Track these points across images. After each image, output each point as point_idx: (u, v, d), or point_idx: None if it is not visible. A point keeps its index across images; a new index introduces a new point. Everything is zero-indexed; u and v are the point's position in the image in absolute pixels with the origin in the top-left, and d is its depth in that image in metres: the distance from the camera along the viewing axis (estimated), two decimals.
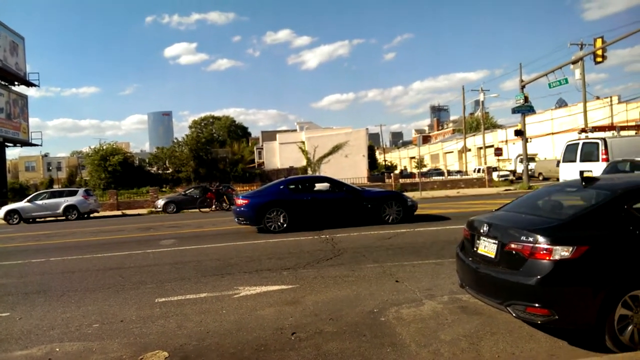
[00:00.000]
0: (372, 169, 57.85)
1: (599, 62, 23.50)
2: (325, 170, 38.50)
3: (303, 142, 47.72)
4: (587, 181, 4.70)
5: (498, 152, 43.65)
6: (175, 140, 53.24)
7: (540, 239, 3.85)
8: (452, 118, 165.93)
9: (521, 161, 30.74)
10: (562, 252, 3.72)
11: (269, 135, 66.43)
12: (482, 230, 4.61)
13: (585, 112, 33.24)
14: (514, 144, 47.11)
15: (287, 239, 10.85)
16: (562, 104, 54.60)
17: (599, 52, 23.28)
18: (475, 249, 4.68)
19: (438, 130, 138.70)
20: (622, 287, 3.66)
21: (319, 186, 13.41)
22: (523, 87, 27.19)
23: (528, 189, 23.53)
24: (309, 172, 41.01)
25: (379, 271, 6.96)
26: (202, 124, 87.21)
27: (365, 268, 7.22)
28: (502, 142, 53.44)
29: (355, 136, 48.58)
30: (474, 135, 63.11)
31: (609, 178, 5.25)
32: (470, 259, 4.72)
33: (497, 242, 4.32)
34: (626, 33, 22.06)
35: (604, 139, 15.54)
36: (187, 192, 26.63)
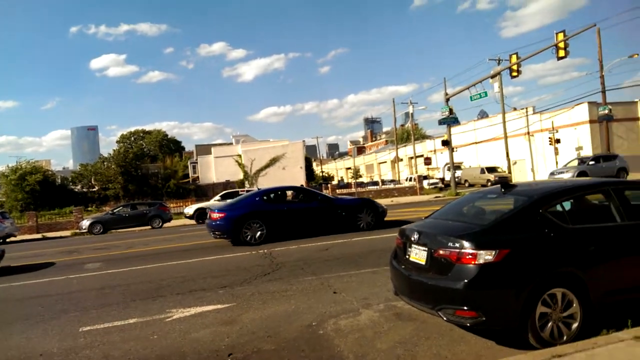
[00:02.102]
0: (309, 180, 58.23)
1: (515, 76, 25.43)
2: (262, 183, 38.16)
3: (239, 156, 47.09)
4: (506, 188, 5.02)
5: (427, 161, 45.74)
6: (101, 156, 50.42)
7: (466, 244, 4.04)
8: (384, 129, 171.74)
9: (449, 169, 32.36)
10: (485, 256, 3.93)
11: (204, 149, 64.89)
12: (412, 238, 4.76)
13: (504, 122, 35.73)
14: (441, 153, 49.53)
15: (223, 256, 10.58)
16: (483, 115, 58.41)
17: (515, 67, 25.20)
18: (407, 256, 4.82)
19: (372, 141, 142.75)
20: (541, 287, 3.92)
21: (292, 196, 13.46)
22: (448, 100, 28.75)
23: (455, 195, 24.77)
24: (247, 186, 40.43)
25: (317, 283, 6.96)
26: (132, 139, 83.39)
27: (303, 281, 7.20)
28: (431, 151, 56.02)
29: (292, 148, 48.76)
30: (405, 145, 65.62)
31: (527, 184, 5.64)
32: (403, 266, 4.84)
33: (427, 249, 4.48)
34: (537, 50, 24.10)
35: None
36: (115, 210, 25.20)
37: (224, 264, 9.52)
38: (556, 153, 33.02)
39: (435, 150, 54.81)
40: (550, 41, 22.43)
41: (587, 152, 33.32)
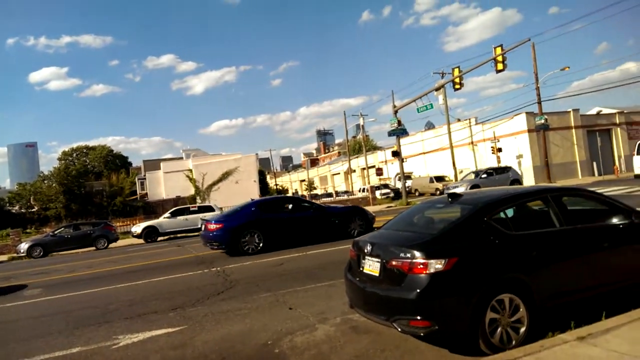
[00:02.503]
0: (263, 194, 57.67)
1: (458, 89, 26.55)
2: (215, 198, 37.46)
3: (190, 170, 45.98)
4: (453, 197, 5.18)
5: (379, 172, 46.64)
6: (41, 174, 47.59)
7: (417, 254, 4.11)
8: (337, 141, 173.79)
9: (399, 179, 33.13)
10: (436, 265, 4.01)
11: (153, 165, 62.80)
12: (366, 250, 4.79)
13: (449, 133, 37.14)
14: (392, 163, 50.70)
15: (174, 276, 10.21)
16: (430, 126, 60.41)
17: (457, 80, 26.32)
18: (361, 268, 4.84)
19: (325, 153, 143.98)
20: (489, 293, 4.05)
21: (288, 206, 13.58)
22: (396, 112, 29.54)
23: (406, 205, 25.37)
24: (198, 201, 39.52)
25: (272, 300, 6.85)
26: (74, 155, 79.41)
27: (258, 299, 7.06)
28: (382, 162, 57.20)
29: (246, 162, 48.20)
30: (357, 157, 66.65)
31: (473, 193, 5.85)
32: (357, 279, 4.86)
33: (380, 260, 4.52)
34: (477, 64, 25.32)
35: None
36: (56, 232, 23.77)
37: (174, 284, 9.19)
38: (498, 161, 34.64)
39: (386, 161, 56.01)
40: (490, 55, 23.66)
41: (527, 160, 35.21)
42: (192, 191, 43.24)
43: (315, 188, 77.05)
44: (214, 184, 40.78)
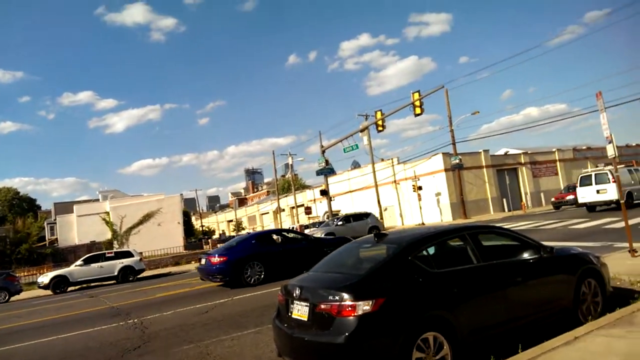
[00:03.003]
0: (188, 235, 55.37)
1: (381, 131, 27.87)
2: (135, 243, 35.24)
3: (107, 213, 43.10)
4: (379, 237, 5.27)
5: (308, 210, 46.91)
6: None
7: (345, 296, 4.08)
8: (266, 180, 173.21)
9: (328, 218, 33.46)
10: (364, 306, 4.00)
11: (65, 207, 58.11)
12: (294, 294, 4.68)
13: (374, 172, 38.56)
14: (321, 202, 51.30)
15: (85, 331, 9.27)
16: (356, 165, 62.42)
17: (380, 122, 27.67)
18: (289, 314, 4.71)
19: (254, 192, 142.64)
20: (415, 332, 4.08)
21: (283, 238, 14.40)
22: (323, 151, 30.23)
23: None
24: (116, 246, 36.96)
25: (196, 352, 6.41)
26: None
27: (179, 351, 6.57)
28: (311, 201, 57.71)
29: (169, 202, 46.22)
30: (286, 195, 66.71)
31: (397, 232, 6.00)
32: (285, 325, 4.71)
33: (308, 304, 4.42)
34: (397, 107, 26.88)
35: (610, 170, 22.04)
36: None
37: (85, 340, 8.32)
38: (419, 199, 36.35)
39: (315, 200, 56.56)
40: (409, 99, 25.23)
41: (445, 197, 37.31)
42: (108, 235, 40.38)
43: (243, 228, 75.50)
44: (134, 227, 38.40)
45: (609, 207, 22.99)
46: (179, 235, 44.03)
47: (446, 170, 37.58)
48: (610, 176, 21.98)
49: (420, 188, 36.37)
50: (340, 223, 26.24)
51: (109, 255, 22.84)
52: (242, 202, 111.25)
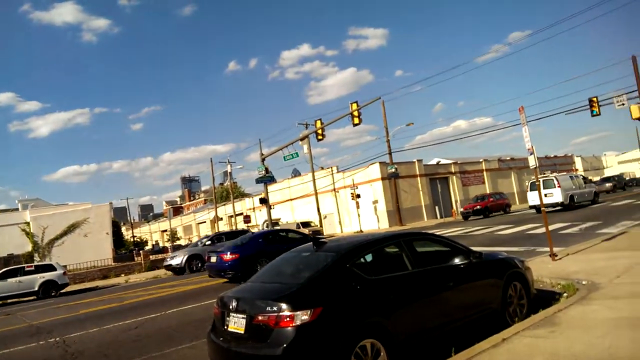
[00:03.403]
0: (118, 247, 52.38)
1: (321, 139, 28.07)
2: (58, 255, 32.89)
3: (27, 223, 39.84)
4: (318, 245, 5.25)
5: (247, 219, 46.13)
6: None
7: (283, 306, 4.00)
8: (203, 188, 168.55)
9: (267, 226, 33.13)
10: (302, 316, 3.94)
11: None
12: (231, 306, 4.53)
13: (314, 180, 38.80)
14: (260, 210, 50.74)
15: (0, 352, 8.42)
16: (296, 173, 62.56)
17: (320, 131, 27.87)
18: (225, 327, 4.55)
19: (190, 201, 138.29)
20: (353, 340, 4.08)
21: (285, 236, 15.82)
22: (263, 159, 29.95)
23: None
24: (37, 259, 34.29)
25: None
26: None
27: None
28: (250, 209, 56.92)
29: (97, 212, 43.50)
30: (225, 204, 65.30)
31: (336, 240, 6.00)
32: (221, 338, 4.54)
33: (245, 316, 4.30)
34: (337, 117, 27.23)
35: (555, 177, 26.20)
36: None
37: None
38: (357, 207, 37.04)
39: (254, 208, 55.84)
40: (348, 109, 25.67)
41: (382, 205, 38.28)
42: (29, 248, 37.35)
43: (178, 238, 72.82)
44: (57, 238, 35.85)
45: (555, 209, 25.86)
46: (108, 247, 41.53)
47: (383, 179, 38.63)
48: (555, 182, 25.47)
49: (358, 196, 37.05)
50: (208, 242, 22.99)
51: (29, 269, 21.02)
52: (177, 210, 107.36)
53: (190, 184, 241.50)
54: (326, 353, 3.92)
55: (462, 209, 35.01)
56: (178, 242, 63.72)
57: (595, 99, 25.64)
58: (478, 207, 32.25)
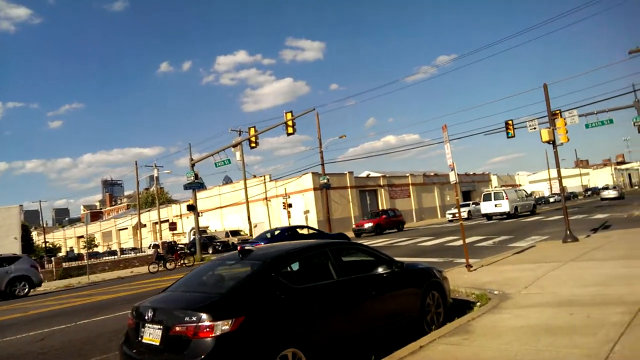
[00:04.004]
0: (28, 253, 47.98)
1: (254, 147, 27.78)
2: None
3: None
4: (243, 253, 5.13)
5: (172, 226, 44.41)
6: None
7: (203, 316, 3.86)
8: (126, 193, 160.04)
9: (194, 234, 32.06)
10: (222, 326, 3.82)
11: None
12: (147, 317, 4.30)
13: (245, 188, 38.28)
14: (187, 217, 49.08)
15: None
16: (228, 181, 61.38)
17: (253, 139, 27.59)
18: (140, 338, 4.30)
19: (111, 205, 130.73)
20: (274, 350, 4.01)
21: (303, 231, 20.90)
22: (193, 165, 29.04)
23: (200, 261, 24.53)
24: None
25: None
26: None
27: None
28: (177, 216, 54.85)
29: (5, 214, 39.60)
30: (149, 210, 62.38)
31: (263, 249, 5.91)
32: (134, 351, 4.28)
33: (162, 327, 4.09)
34: (271, 126, 27.14)
35: (504, 190, 32.28)
36: None
37: None
38: (289, 216, 37.02)
39: (181, 215, 53.87)
40: (283, 119, 25.69)
41: (313, 214, 38.57)
42: None
43: (96, 245, 68.27)
44: None
45: (502, 217, 30.72)
46: (16, 252, 37.91)
47: (315, 189, 39.02)
48: (504, 194, 30.90)
49: (290, 205, 37.06)
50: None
51: None
52: (96, 216, 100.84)
53: (112, 187, 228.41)
54: None
55: (354, 226, 33.92)
56: (95, 249, 59.70)
57: (510, 122, 27.81)
58: (370, 224, 31.42)
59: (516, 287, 7.66)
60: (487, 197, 32.10)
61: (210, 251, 31.64)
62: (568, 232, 13.21)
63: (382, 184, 47.10)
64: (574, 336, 4.71)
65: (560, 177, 15.06)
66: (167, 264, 23.06)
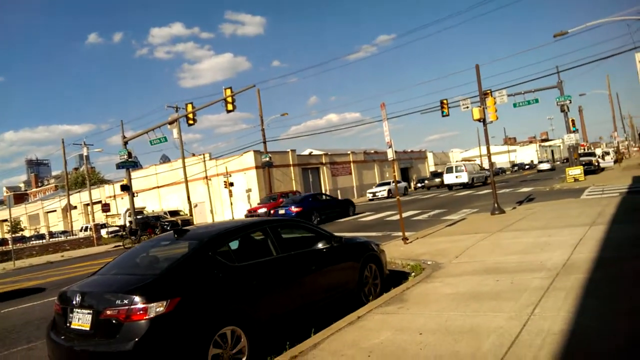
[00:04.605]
0: None
1: (191, 124, 26.80)
2: None
3: None
4: (179, 233, 4.99)
5: (106, 208, 42.21)
6: None
7: (136, 299, 3.73)
8: (54, 173, 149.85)
9: (129, 215, 30.78)
10: (157, 308, 3.71)
11: None
12: (75, 302, 4.10)
13: (184, 167, 37.09)
14: (122, 198, 46.94)
15: None
16: (165, 159, 59.06)
17: (190, 116, 26.60)
18: (68, 324, 4.09)
19: (37, 187, 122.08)
20: (212, 329, 3.98)
21: (323, 198, 24.47)
22: (126, 143, 27.61)
23: (135, 243, 23.69)
24: None
25: None
26: None
27: None
28: (111, 197, 52.27)
29: None
30: (80, 191, 58.93)
31: (199, 228, 5.78)
32: (62, 337, 4.08)
33: (92, 311, 3.92)
34: (209, 102, 26.29)
35: (464, 163, 37.64)
36: None
37: None
38: (230, 195, 36.46)
39: (115, 196, 51.38)
40: (222, 95, 24.95)
41: (255, 193, 38.26)
42: None
43: (22, 229, 63.72)
44: None
45: (462, 187, 34.84)
46: None
47: (257, 167, 38.58)
48: (463, 167, 35.73)
49: (231, 184, 36.45)
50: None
51: None
52: (21, 197, 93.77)
53: (38, 167, 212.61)
54: (183, 344, 3.76)
55: (246, 211, 30.65)
56: (21, 233, 55.82)
57: (445, 101, 28.82)
58: (264, 209, 27.62)
59: (448, 257, 8.08)
60: (449, 170, 36.59)
61: (158, 232, 30.66)
62: (496, 205, 14.07)
63: (324, 161, 47.47)
64: (499, 301, 5.06)
65: (489, 154, 15.91)
66: (142, 238, 22.76)
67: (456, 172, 35.49)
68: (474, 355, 3.65)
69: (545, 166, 57.63)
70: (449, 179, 35.91)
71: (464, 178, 34.73)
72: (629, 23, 23.01)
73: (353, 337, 4.53)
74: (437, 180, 43.19)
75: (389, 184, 38.84)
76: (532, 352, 3.53)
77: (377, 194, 38.19)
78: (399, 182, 36.70)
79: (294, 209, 20.41)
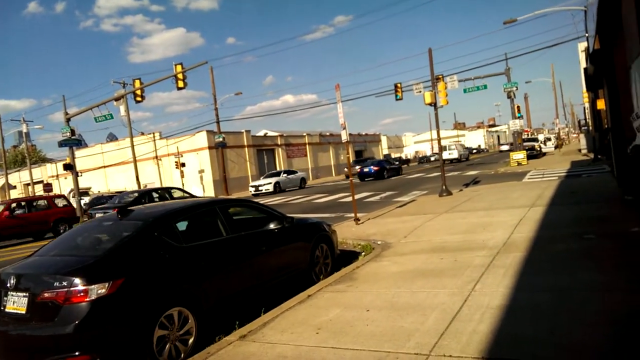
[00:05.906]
0: None
1: (139, 101, 25.72)
2: None
3: None
4: (122, 213, 4.80)
5: (48, 187, 40.00)
6: None
7: (76, 280, 3.59)
8: None
9: (73, 196, 29.39)
10: (98, 290, 3.59)
11: None
12: (9, 284, 3.89)
13: (132, 146, 35.65)
14: (65, 178, 44.72)
15: None
16: (112, 138, 56.52)
17: (139, 92, 25.49)
18: (2, 307, 3.89)
19: None
20: (158, 310, 3.89)
21: (389, 160, 43.02)
22: (69, 120, 26.15)
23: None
24: None
25: None
26: None
27: None
28: (53, 177, 49.61)
29: None
30: (19, 170, 55.52)
31: (144, 208, 5.59)
32: None
33: (28, 294, 3.74)
34: (159, 78, 25.29)
35: (454, 143, 53.54)
36: None
37: None
38: (182, 176, 35.58)
39: (57, 176, 48.81)
40: (172, 72, 24.04)
41: (208, 174, 37.53)
42: None
43: None
44: None
45: (453, 162, 46.14)
46: None
47: (210, 147, 37.74)
48: (454, 147, 49.53)
49: (183, 165, 35.54)
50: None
51: None
52: None
53: None
54: (126, 326, 3.66)
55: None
56: None
57: (399, 85, 29.26)
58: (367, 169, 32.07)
59: (397, 237, 8.32)
60: (445, 148, 44.35)
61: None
62: (444, 187, 14.56)
63: (279, 143, 47.13)
64: (443, 278, 5.27)
65: (439, 138, 16.38)
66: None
67: (449, 150, 47.86)
68: (418, 330, 3.80)
69: (450, 155, 46.84)
70: (445, 155, 42.33)
71: (455, 154, 47.82)
72: (573, 13, 24.10)
73: (303, 315, 4.59)
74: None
75: (278, 174, 33.19)
76: (472, 326, 3.71)
77: (260, 188, 30.74)
78: (294, 172, 34.98)
79: (374, 168, 30.40)
